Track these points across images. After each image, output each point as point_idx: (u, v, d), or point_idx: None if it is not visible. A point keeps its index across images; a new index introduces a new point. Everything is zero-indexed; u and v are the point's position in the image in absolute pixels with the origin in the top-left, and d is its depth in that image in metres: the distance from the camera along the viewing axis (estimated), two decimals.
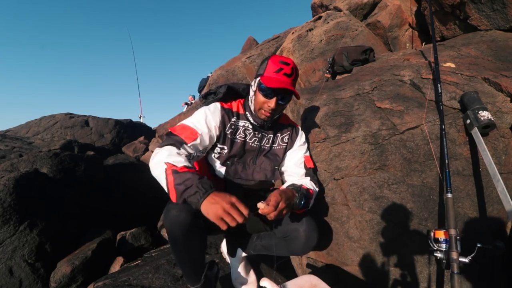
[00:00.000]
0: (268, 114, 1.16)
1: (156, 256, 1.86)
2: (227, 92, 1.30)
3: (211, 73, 7.05)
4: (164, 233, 2.88)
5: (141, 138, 6.41)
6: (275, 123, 1.30)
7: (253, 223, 1.29)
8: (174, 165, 0.94)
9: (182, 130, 1.11)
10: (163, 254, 1.87)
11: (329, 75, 2.96)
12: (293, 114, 1.95)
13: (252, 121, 1.24)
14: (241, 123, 1.25)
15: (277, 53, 4.32)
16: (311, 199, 1.16)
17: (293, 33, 4.24)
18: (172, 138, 1.07)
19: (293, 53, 3.82)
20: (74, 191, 2.98)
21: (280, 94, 1.13)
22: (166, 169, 0.93)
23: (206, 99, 1.33)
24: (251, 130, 1.25)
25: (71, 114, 7.19)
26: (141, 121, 9.88)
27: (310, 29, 3.95)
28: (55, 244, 2.45)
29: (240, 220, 0.82)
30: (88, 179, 3.27)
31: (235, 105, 1.28)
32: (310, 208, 1.19)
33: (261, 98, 1.15)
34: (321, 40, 3.70)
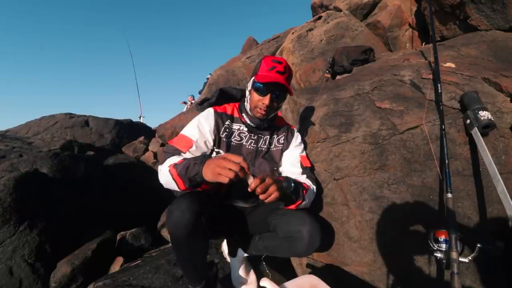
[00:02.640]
0: (264, 112, 1.19)
1: (156, 256, 1.86)
2: (220, 95, 1.35)
3: (210, 74, 7.06)
4: (164, 233, 2.88)
5: (141, 138, 6.41)
6: (271, 125, 1.32)
7: (255, 223, 1.29)
8: (174, 163, 1.02)
9: (178, 140, 1.16)
10: (163, 254, 1.87)
11: (329, 75, 2.96)
12: (293, 114, 1.95)
13: (248, 122, 1.26)
14: (236, 126, 1.27)
15: (277, 53, 4.32)
16: (305, 191, 1.15)
17: (293, 33, 4.24)
18: (170, 152, 1.12)
19: (293, 53, 3.82)
20: (74, 191, 2.98)
21: (274, 92, 1.16)
22: (169, 169, 1.01)
23: (201, 105, 1.37)
24: (246, 133, 1.27)
25: (71, 114, 7.17)
26: (141, 121, 9.89)
27: (310, 29, 3.96)
28: (55, 244, 2.44)
29: (235, 167, 0.82)
30: (88, 179, 3.26)
31: (229, 109, 1.30)
32: (308, 206, 1.18)
33: (256, 96, 1.18)
34: (321, 40, 3.70)
